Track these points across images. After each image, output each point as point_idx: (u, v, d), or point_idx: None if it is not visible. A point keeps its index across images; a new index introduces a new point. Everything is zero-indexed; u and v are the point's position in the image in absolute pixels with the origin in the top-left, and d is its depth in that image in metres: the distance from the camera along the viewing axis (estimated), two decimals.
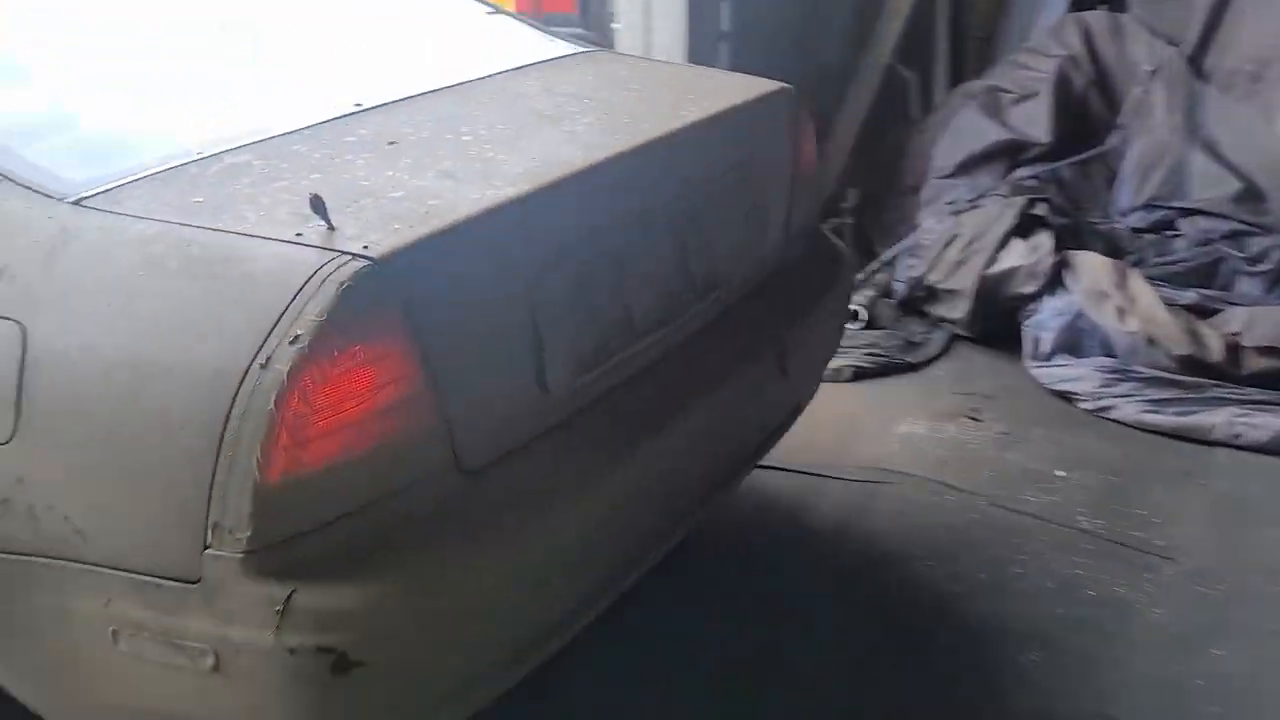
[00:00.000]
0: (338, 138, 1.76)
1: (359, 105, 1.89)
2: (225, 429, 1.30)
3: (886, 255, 3.92)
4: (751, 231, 2.17)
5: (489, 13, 2.61)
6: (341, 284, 1.32)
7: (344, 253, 1.36)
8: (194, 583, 1.34)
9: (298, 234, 1.40)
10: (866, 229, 4.09)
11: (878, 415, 3.14)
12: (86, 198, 1.49)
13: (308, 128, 1.78)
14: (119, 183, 1.53)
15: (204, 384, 1.32)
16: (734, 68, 3.80)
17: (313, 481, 1.33)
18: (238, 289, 1.37)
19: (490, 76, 2.18)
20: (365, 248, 1.37)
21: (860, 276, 3.86)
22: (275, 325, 1.31)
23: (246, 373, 1.30)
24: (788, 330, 2.15)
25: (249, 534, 1.29)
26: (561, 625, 1.69)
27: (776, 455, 2.86)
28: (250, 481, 1.29)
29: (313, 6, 2.43)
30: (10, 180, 1.50)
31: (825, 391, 3.23)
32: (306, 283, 1.33)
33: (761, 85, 2.28)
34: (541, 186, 1.63)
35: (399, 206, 1.52)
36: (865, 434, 3.05)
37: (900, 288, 3.77)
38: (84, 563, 1.40)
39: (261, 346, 1.30)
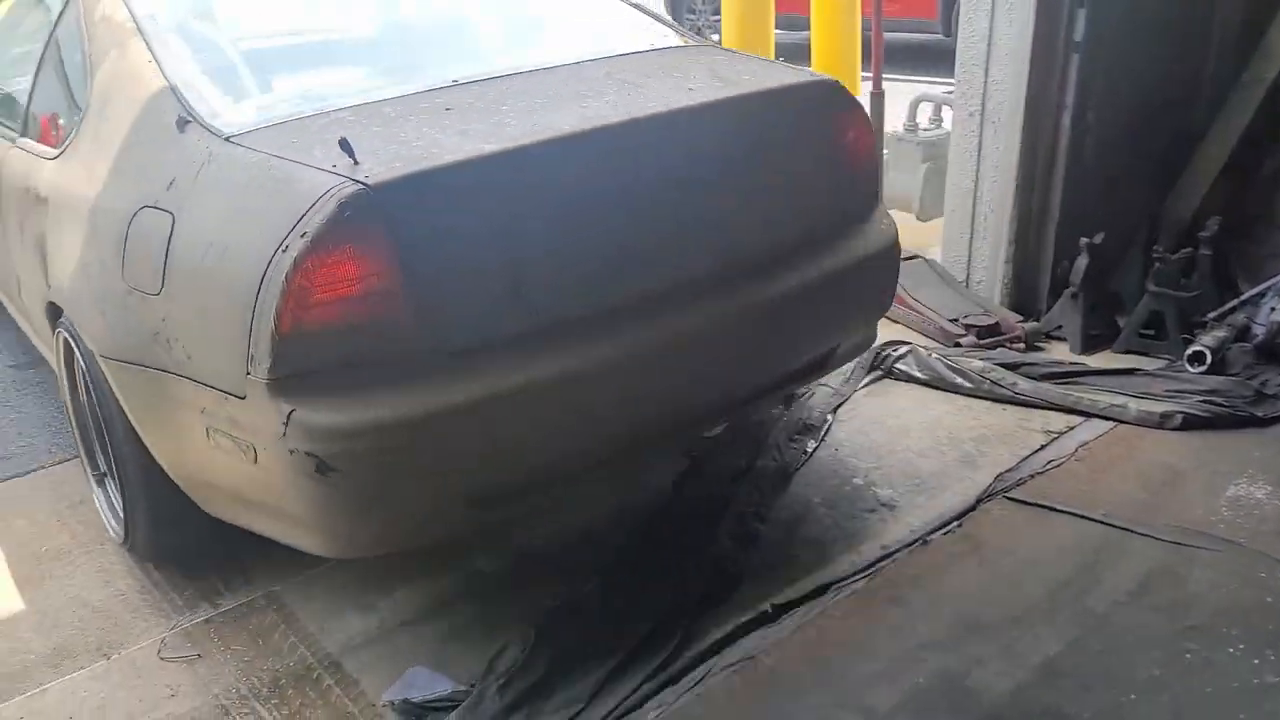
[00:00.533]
0: (417, 104, 2.32)
1: (454, 81, 2.47)
2: (258, 292, 1.89)
3: (1249, 293, 3.47)
4: (765, 200, 2.43)
5: (628, 8, 3.12)
6: (341, 200, 1.86)
7: (351, 179, 1.90)
8: (242, 398, 1.96)
9: (333, 165, 1.95)
10: (1229, 261, 3.64)
11: (1206, 471, 2.78)
12: (234, 136, 2.19)
13: (405, 95, 2.38)
14: (259, 127, 2.22)
15: (252, 261, 1.92)
16: (1083, 79, 3.54)
17: (310, 337, 1.90)
18: (286, 199, 1.95)
19: (575, 63, 2.63)
20: (366, 177, 1.90)
21: (1213, 315, 3.45)
22: (296, 224, 1.88)
23: (274, 254, 1.88)
24: (782, 290, 2.40)
25: (268, 366, 1.89)
26: (511, 490, 2.15)
27: (1074, 500, 2.65)
28: (269, 330, 1.87)
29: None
30: (199, 124, 2.26)
31: (1145, 437, 2.96)
32: (320, 198, 1.88)
33: (798, 77, 2.58)
34: (518, 145, 2.07)
35: (411, 152, 2.02)
36: (1188, 490, 2.71)
37: (1261, 331, 3.32)
38: (192, 379, 2.09)
39: (286, 237, 1.87)
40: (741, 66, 2.66)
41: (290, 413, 1.90)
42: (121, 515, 2.65)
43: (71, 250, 2.51)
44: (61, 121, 2.86)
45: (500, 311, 2.07)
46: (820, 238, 2.55)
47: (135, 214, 2.25)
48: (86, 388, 2.62)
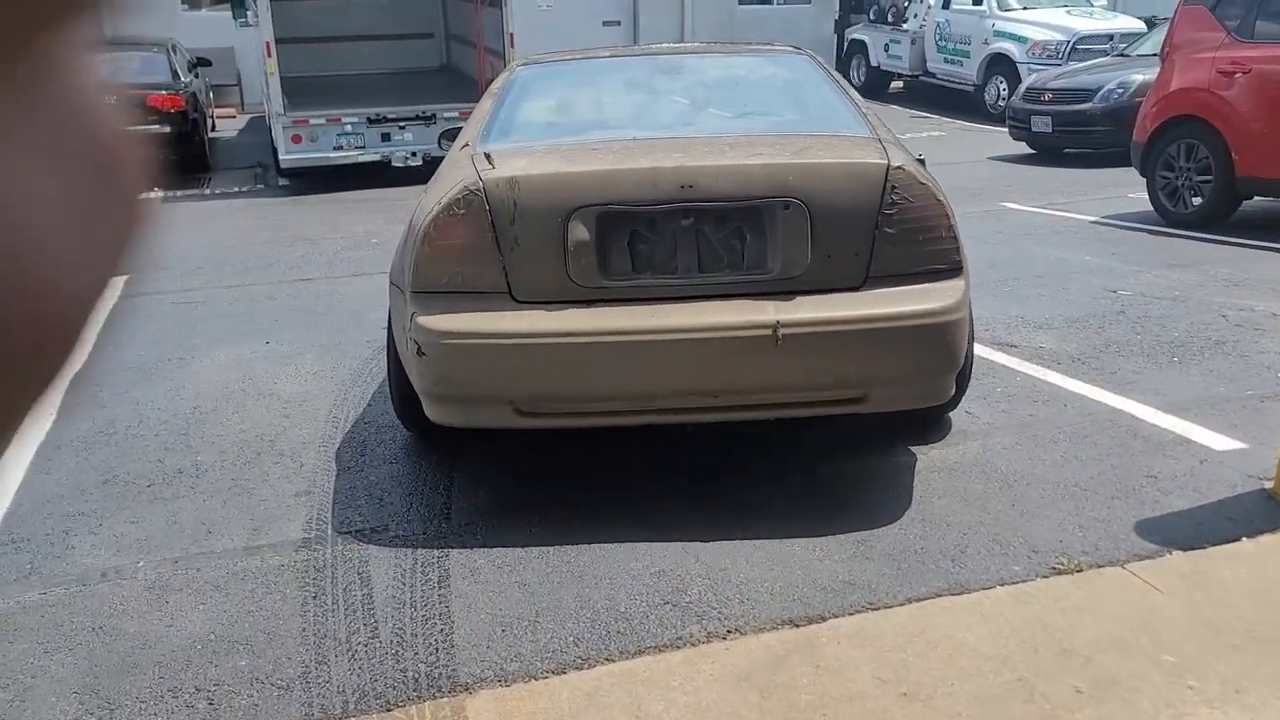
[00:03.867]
0: (583, 146, 3.62)
1: (632, 137, 3.66)
2: (418, 234, 3.26)
3: None
4: (794, 248, 3.20)
5: (836, 96, 4.10)
6: (465, 186, 3.22)
7: (479, 176, 3.24)
8: (407, 303, 3.25)
9: (482, 167, 3.31)
10: None
11: None
12: (474, 154, 3.51)
13: (579, 141, 3.72)
14: (491, 150, 3.52)
15: (422, 217, 3.29)
16: None
17: (434, 268, 3.23)
18: (449, 182, 3.33)
19: (717, 136, 3.77)
20: (484, 175, 3.24)
21: None
22: (443, 196, 3.25)
23: (429, 213, 3.26)
24: (790, 317, 3.11)
25: (411, 282, 3.25)
26: (546, 407, 3.24)
27: None
28: (413, 260, 3.24)
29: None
30: (470, 147, 3.63)
31: None
32: (458, 183, 3.25)
33: (861, 155, 3.36)
34: (578, 171, 3.32)
35: (531, 167, 3.36)
36: None
37: None
38: (402, 291, 3.34)
39: (435, 203, 3.25)
40: (839, 148, 3.49)
41: (413, 314, 3.18)
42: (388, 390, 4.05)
43: None
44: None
45: (556, 282, 3.19)
46: (841, 287, 3.21)
47: (421, 196, 3.55)
48: None
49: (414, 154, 12.38)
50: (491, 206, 3.17)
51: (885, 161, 3.24)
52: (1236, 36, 7.65)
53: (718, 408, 3.25)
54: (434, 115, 12.53)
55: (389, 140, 12.36)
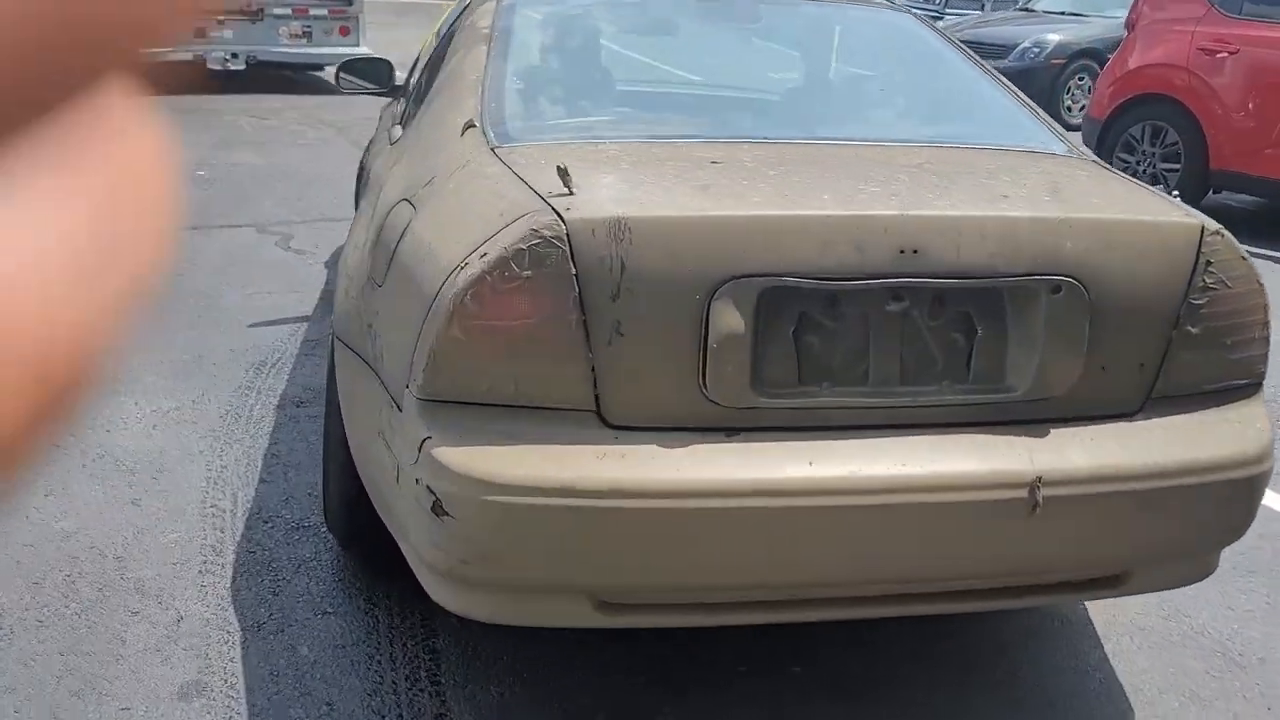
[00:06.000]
0: (691, 151, 2.26)
1: (763, 137, 2.51)
2: (431, 305, 1.80)
3: None
4: (1059, 354, 1.97)
5: (1011, 102, 2.78)
6: (534, 232, 1.76)
7: (555, 211, 1.78)
8: (399, 411, 1.88)
9: (548, 191, 1.84)
10: None
11: None
12: (499, 147, 2.16)
13: (685, 140, 2.41)
14: (524, 145, 2.19)
15: (439, 271, 1.82)
16: None
17: (471, 365, 1.79)
18: (488, 215, 1.86)
19: (889, 143, 2.52)
20: (567, 209, 1.79)
21: None
22: (482, 243, 1.79)
23: (454, 269, 1.79)
24: (1058, 469, 1.93)
25: (420, 384, 1.81)
26: (646, 601, 1.92)
27: None
28: (428, 347, 1.79)
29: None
30: (479, 129, 2.24)
31: None
32: (513, 221, 1.79)
33: (1159, 209, 2.16)
34: (744, 216, 1.89)
35: (635, 194, 1.94)
36: None
37: None
38: (379, 378, 2.01)
39: (469, 254, 1.79)
40: (1096, 187, 2.33)
41: (425, 439, 1.79)
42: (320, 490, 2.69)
43: (356, 227, 2.54)
44: (410, 112, 2.99)
45: (681, 398, 1.85)
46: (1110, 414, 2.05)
47: (395, 205, 2.21)
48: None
49: (234, 55, 10.42)
50: (580, 269, 1.79)
51: (1199, 223, 2.09)
52: (1222, 11, 6.92)
53: (904, 597, 2.06)
54: (260, 11, 10.51)
55: (204, 36, 10.30)
